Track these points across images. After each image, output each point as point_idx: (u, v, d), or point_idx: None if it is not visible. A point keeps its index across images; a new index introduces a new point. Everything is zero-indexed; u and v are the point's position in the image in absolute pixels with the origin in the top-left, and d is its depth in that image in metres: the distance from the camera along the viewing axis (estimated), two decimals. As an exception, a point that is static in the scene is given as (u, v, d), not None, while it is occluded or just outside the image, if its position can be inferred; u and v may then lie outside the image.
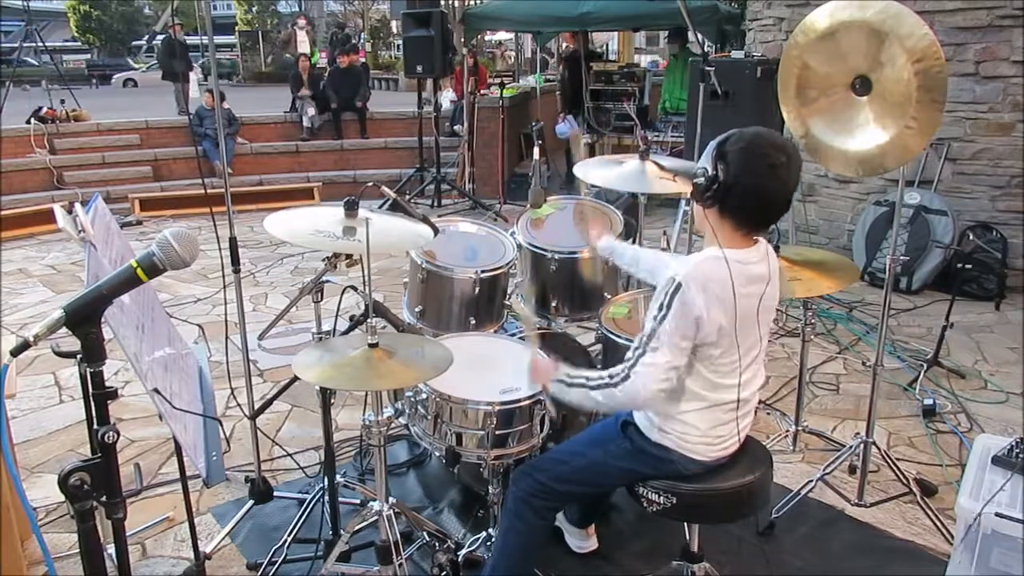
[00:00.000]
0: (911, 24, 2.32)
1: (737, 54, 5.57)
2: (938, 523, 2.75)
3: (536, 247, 2.86)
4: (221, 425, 2.90)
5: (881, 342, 2.86)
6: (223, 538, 2.69)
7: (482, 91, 9.71)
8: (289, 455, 3.10)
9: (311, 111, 9.80)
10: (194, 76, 12.20)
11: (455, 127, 10.11)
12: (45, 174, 8.32)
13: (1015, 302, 5.13)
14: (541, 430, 2.34)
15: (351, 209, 2.27)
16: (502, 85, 9.04)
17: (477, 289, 2.74)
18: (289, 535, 2.59)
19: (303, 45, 13.32)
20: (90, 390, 1.41)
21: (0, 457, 2.03)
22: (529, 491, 2.06)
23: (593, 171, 2.82)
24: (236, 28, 31.58)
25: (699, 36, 5.53)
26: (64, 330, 1.37)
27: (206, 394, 2.26)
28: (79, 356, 1.40)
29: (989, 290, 5.18)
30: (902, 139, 2.43)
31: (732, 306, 1.79)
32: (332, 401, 2.47)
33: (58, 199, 7.14)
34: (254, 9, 34.27)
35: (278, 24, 33.50)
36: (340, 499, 2.65)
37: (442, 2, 10.27)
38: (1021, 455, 2.25)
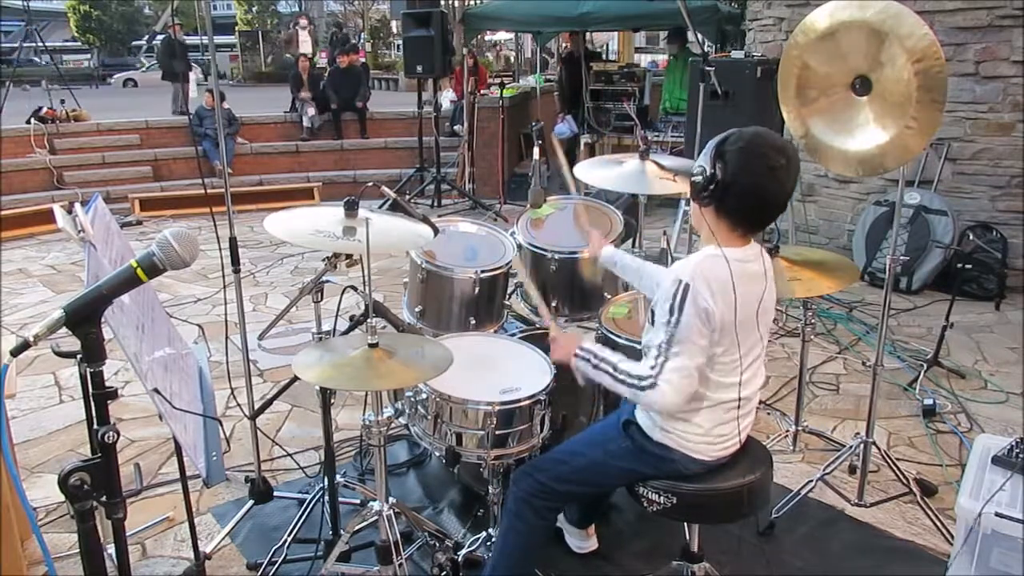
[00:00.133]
0: (911, 24, 2.32)
1: (737, 54, 5.58)
2: (938, 523, 2.75)
3: (536, 247, 2.85)
4: (221, 425, 2.90)
5: (881, 342, 2.86)
6: (223, 538, 2.69)
7: (482, 91, 9.71)
8: (289, 455, 3.10)
9: (311, 111, 9.81)
10: (193, 76, 12.19)
11: (455, 127, 10.11)
12: (45, 174, 8.32)
13: (1015, 302, 5.13)
14: (541, 430, 2.34)
15: (351, 209, 2.27)
16: (502, 85, 9.04)
17: (477, 289, 2.74)
18: (289, 535, 2.59)
19: (305, 45, 13.30)
20: (90, 390, 1.41)
21: (0, 457, 2.03)
22: (529, 491, 2.06)
23: (593, 171, 2.82)
24: (236, 28, 31.59)
25: (699, 36, 5.52)
26: (64, 330, 1.37)
27: (206, 394, 2.26)
28: (79, 356, 1.40)
29: (989, 290, 5.18)
30: (902, 139, 2.43)
31: (733, 303, 1.79)
32: (332, 401, 2.47)
33: (58, 199, 7.14)
34: (254, 9, 34.26)
35: (278, 24, 33.49)
36: (340, 499, 2.65)
37: (442, 2, 10.27)
38: (1021, 455, 2.25)
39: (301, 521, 2.66)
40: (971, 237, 5.24)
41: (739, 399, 1.91)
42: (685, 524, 2.16)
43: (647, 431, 1.97)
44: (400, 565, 2.15)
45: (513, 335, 2.72)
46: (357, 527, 2.34)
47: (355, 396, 3.61)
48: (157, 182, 8.76)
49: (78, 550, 1.99)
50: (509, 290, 2.94)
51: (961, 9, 5.20)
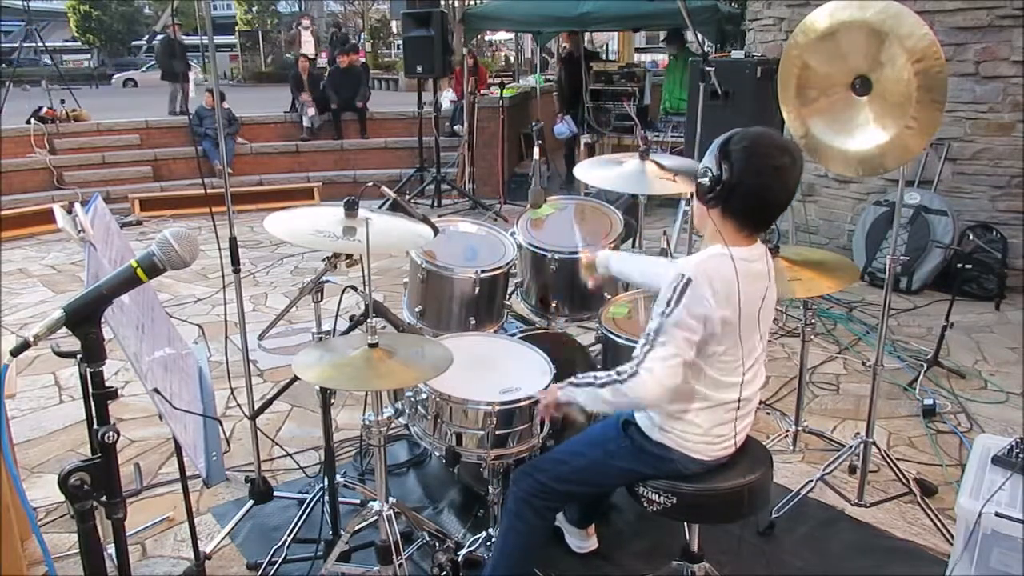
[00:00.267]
0: (911, 24, 2.32)
1: (737, 54, 5.58)
2: (938, 523, 2.75)
3: (536, 247, 2.85)
4: (221, 425, 2.90)
5: (881, 342, 2.86)
6: (223, 538, 2.69)
7: (482, 91, 9.71)
8: (289, 455, 3.10)
9: (311, 111, 9.81)
10: (192, 76, 12.19)
11: (455, 127, 10.11)
12: (45, 174, 8.32)
13: (1015, 302, 5.13)
14: (541, 430, 2.34)
15: (351, 209, 2.27)
16: (502, 85, 9.05)
17: (477, 289, 2.74)
18: (289, 535, 2.59)
19: (308, 45, 13.29)
20: (90, 390, 1.41)
21: (0, 457, 2.03)
22: (529, 491, 2.06)
23: (593, 171, 2.82)
24: (236, 28, 31.59)
25: (699, 36, 5.52)
26: (64, 330, 1.37)
27: (206, 394, 2.26)
28: (79, 356, 1.40)
29: (989, 290, 5.18)
30: (902, 139, 2.43)
31: (737, 303, 1.79)
32: (332, 401, 2.47)
33: (58, 199, 7.15)
34: (254, 9, 34.25)
35: (278, 24, 33.49)
36: (340, 499, 2.65)
37: (442, 2, 10.27)
38: (1021, 455, 2.25)
39: (301, 521, 2.66)
40: (971, 237, 5.23)
41: (739, 399, 1.91)
42: (685, 524, 2.16)
43: (646, 431, 1.97)
44: (400, 565, 2.15)
45: (513, 335, 2.72)
46: (357, 527, 2.34)
47: (355, 396, 3.61)
48: (157, 182, 8.76)
49: (78, 550, 2.00)
50: (509, 290, 2.94)
51: (961, 9, 5.20)
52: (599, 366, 2.73)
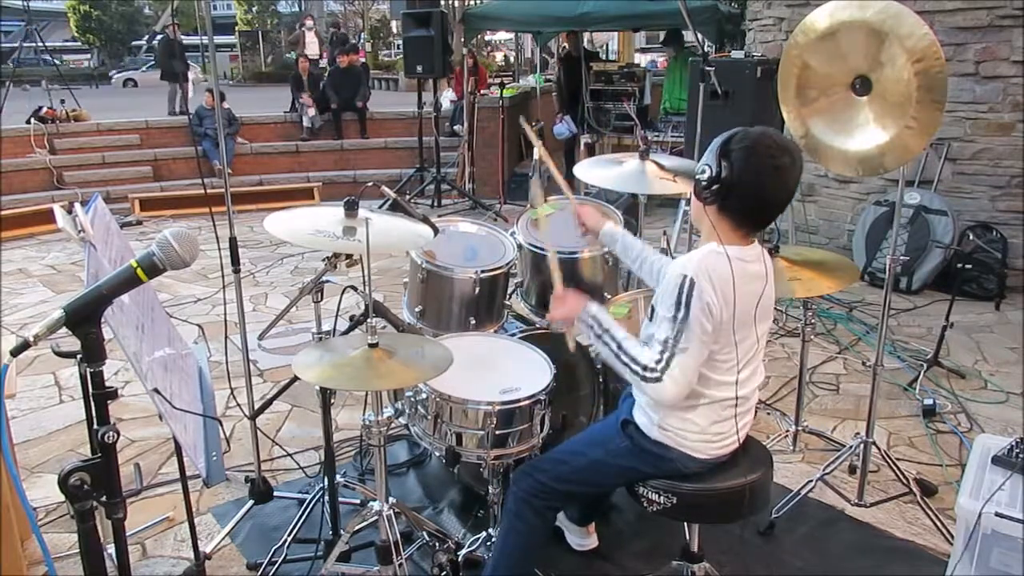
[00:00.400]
0: (911, 24, 2.32)
1: (737, 54, 5.57)
2: (938, 523, 2.75)
3: (536, 247, 2.85)
4: (221, 425, 2.90)
5: (881, 342, 2.86)
6: (223, 538, 2.69)
7: (482, 91, 9.71)
8: (289, 455, 3.10)
9: (311, 111, 9.81)
10: (192, 76, 12.18)
11: (455, 127, 10.11)
12: (45, 174, 8.32)
13: (1015, 302, 5.13)
14: (541, 430, 2.34)
15: (351, 209, 2.27)
16: (502, 85, 9.04)
17: (477, 289, 2.74)
18: (289, 535, 2.59)
19: (312, 46, 13.28)
20: (90, 390, 1.41)
21: (0, 457, 2.03)
22: (529, 491, 2.06)
23: (593, 171, 2.81)
24: (236, 28, 31.59)
25: (699, 36, 5.52)
26: (64, 330, 1.37)
27: (206, 394, 2.26)
28: (79, 356, 1.40)
29: (989, 290, 5.18)
30: (902, 139, 2.43)
31: (732, 301, 1.80)
32: (332, 401, 2.47)
33: (58, 199, 7.15)
34: (254, 9, 34.25)
35: (278, 24, 33.49)
36: (340, 499, 2.65)
37: (442, 2, 10.27)
38: (1021, 455, 2.25)
39: (301, 521, 2.66)
40: (971, 237, 5.23)
41: (736, 398, 1.91)
42: (685, 524, 2.16)
43: (645, 430, 1.97)
44: (400, 565, 2.15)
45: (513, 335, 2.72)
46: (357, 527, 2.34)
47: (355, 396, 3.61)
48: (157, 182, 8.76)
49: (78, 550, 1.99)
50: (509, 290, 2.94)
51: (961, 9, 5.20)
52: (599, 366, 2.74)
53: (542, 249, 2.84)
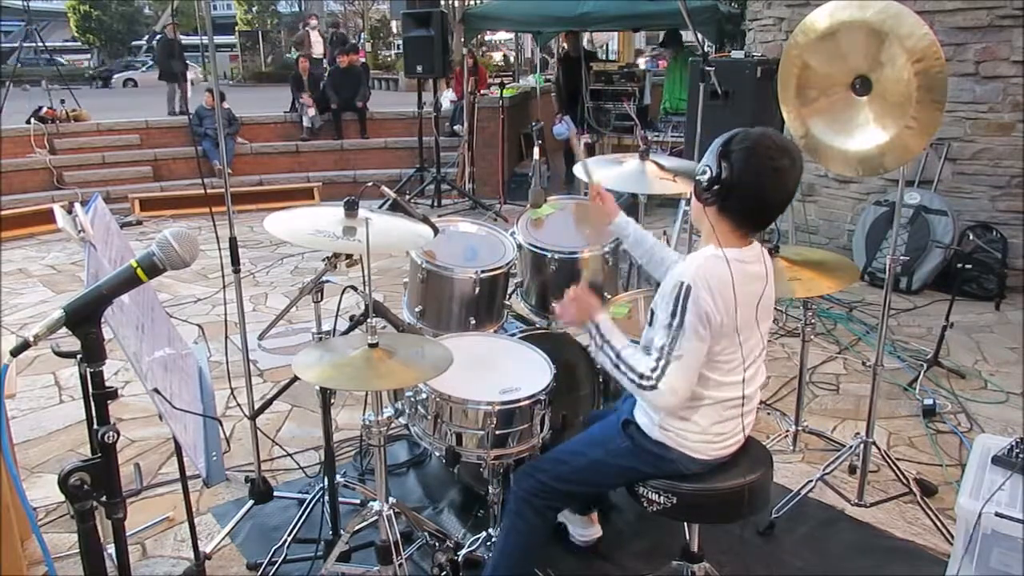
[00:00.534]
0: (911, 24, 2.32)
1: (737, 54, 5.57)
2: (938, 523, 2.75)
3: (536, 247, 2.85)
4: (221, 425, 2.90)
5: (881, 342, 2.86)
6: (223, 538, 2.69)
7: (482, 91, 9.70)
8: (289, 455, 3.10)
9: (311, 111, 9.81)
10: (191, 75, 12.17)
11: (455, 127, 10.11)
12: (45, 174, 8.32)
13: (1015, 302, 5.13)
14: (541, 430, 2.34)
15: (351, 209, 2.27)
16: (502, 85, 9.04)
17: (477, 289, 2.74)
18: (289, 535, 2.59)
19: (317, 46, 13.28)
20: (90, 390, 1.41)
21: (0, 457, 2.03)
22: (530, 491, 2.06)
23: (593, 171, 2.81)
24: (236, 28, 31.58)
25: (699, 36, 5.52)
26: (64, 330, 1.37)
27: (206, 394, 2.26)
28: (79, 356, 1.40)
29: (989, 290, 5.18)
30: (902, 139, 2.43)
31: (733, 303, 1.80)
32: (332, 401, 2.47)
33: (58, 199, 7.14)
34: (254, 9, 34.26)
35: (278, 24, 33.49)
36: (340, 499, 2.65)
37: (442, 2, 10.26)
38: (1021, 455, 2.25)
39: (301, 521, 2.66)
40: (971, 237, 5.23)
41: (743, 397, 1.91)
42: (685, 524, 2.16)
43: (646, 430, 1.98)
44: (400, 565, 2.15)
45: (513, 335, 2.72)
46: (357, 527, 2.34)
47: (355, 396, 3.61)
48: (157, 182, 8.76)
49: (78, 550, 1.99)
50: (509, 290, 2.94)
51: (961, 9, 5.20)
52: (599, 366, 2.73)
53: (542, 249, 2.84)
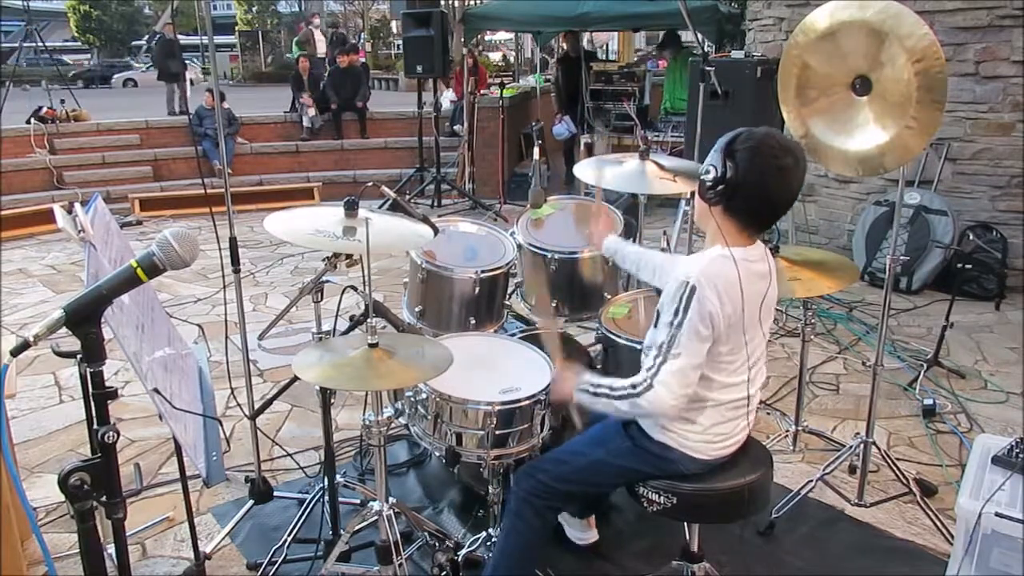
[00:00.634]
0: (911, 24, 2.32)
1: (737, 54, 5.57)
2: (938, 523, 2.75)
3: (536, 247, 2.85)
4: (221, 425, 2.90)
5: (881, 342, 2.86)
6: (223, 538, 2.69)
7: (482, 91, 9.70)
8: (289, 455, 3.10)
9: (311, 111, 9.81)
10: (190, 75, 12.17)
11: (455, 127, 10.11)
12: (45, 174, 8.32)
13: (1015, 302, 5.13)
14: (541, 430, 2.34)
15: (351, 209, 2.27)
16: (502, 85, 9.05)
17: (477, 289, 2.74)
18: (289, 535, 2.59)
19: (321, 44, 13.29)
20: (90, 390, 1.41)
21: (0, 457, 2.03)
22: (530, 491, 2.06)
23: (593, 171, 2.81)
24: (236, 28, 31.59)
25: (699, 36, 5.52)
26: (64, 330, 1.37)
27: (206, 394, 2.26)
28: (79, 356, 1.40)
29: (989, 290, 5.18)
30: (902, 139, 2.43)
31: (740, 303, 1.80)
32: (332, 401, 2.47)
33: (58, 199, 7.14)
34: (254, 9, 34.27)
35: (278, 24, 33.50)
36: (340, 499, 2.65)
37: (442, 2, 10.26)
38: (1021, 455, 2.25)
39: (301, 521, 2.66)
40: (971, 237, 5.23)
41: (746, 397, 1.92)
42: (685, 524, 2.16)
43: (647, 430, 1.98)
44: (400, 565, 2.15)
45: (513, 335, 2.72)
46: (357, 527, 2.34)
47: (355, 396, 3.60)
48: (157, 182, 8.76)
49: (78, 550, 1.99)
50: (509, 290, 2.94)
51: (961, 9, 5.20)
52: (599, 366, 2.73)
53: (542, 249, 2.84)
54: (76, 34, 33.63)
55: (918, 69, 2.31)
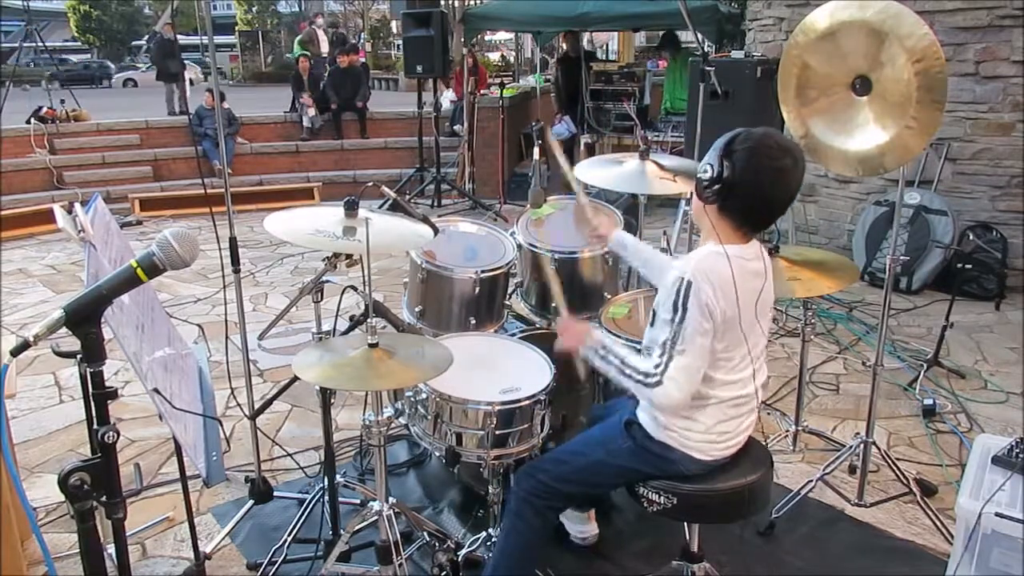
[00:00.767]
0: (911, 24, 2.32)
1: (737, 54, 5.57)
2: (938, 523, 2.75)
3: (536, 247, 2.85)
4: (221, 425, 2.90)
5: (881, 342, 2.86)
6: (223, 538, 2.69)
7: (482, 91, 9.70)
8: (289, 455, 3.10)
9: (311, 111, 9.81)
10: (189, 75, 12.17)
11: (455, 127, 10.11)
12: (45, 174, 8.33)
13: (1015, 302, 5.13)
14: (541, 430, 2.34)
15: (351, 209, 2.27)
16: (502, 85, 9.05)
17: (477, 289, 2.74)
18: (289, 535, 2.59)
19: (324, 44, 13.30)
20: (90, 390, 1.41)
21: (0, 457, 2.03)
22: (531, 491, 2.06)
23: (593, 171, 2.82)
24: (236, 28, 31.60)
25: (699, 36, 5.52)
26: (64, 330, 1.37)
27: (206, 394, 2.26)
28: (79, 356, 1.40)
29: (989, 290, 5.18)
30: (902, 139, 2.43)
31: (735, 299, 1.80)
32: (332, 401, 2.47)
33: (58, 199, 7.14)
34: (254, 9, 34.27)
35: (278, 24, 33.50)
36: (340, 499, 2.65)
37: (442, 2, 10.26)
38: (1021, 455, 2.25)
39: (301, 521, 2.66)
40: (971, 237, 5.23)
41: (747, 395, 1.92)
42: (685, 524, 2.16)
43: (649, 430, 1.97)
44: (400, 565, 2.15)
45: (513, 335, 2.72)
46: (357, 527, 2.34)
47: (355, 396, 3.60)
48: (157, 182, 8.77)
49: (78, 550, 1.99)
50: (509, 290, 2.94)
51: (961, 9, 5.20)
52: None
53: (542, 249, 2.84)
54: (76, 34, 33.64)
55: (918, 69, 2.31)
